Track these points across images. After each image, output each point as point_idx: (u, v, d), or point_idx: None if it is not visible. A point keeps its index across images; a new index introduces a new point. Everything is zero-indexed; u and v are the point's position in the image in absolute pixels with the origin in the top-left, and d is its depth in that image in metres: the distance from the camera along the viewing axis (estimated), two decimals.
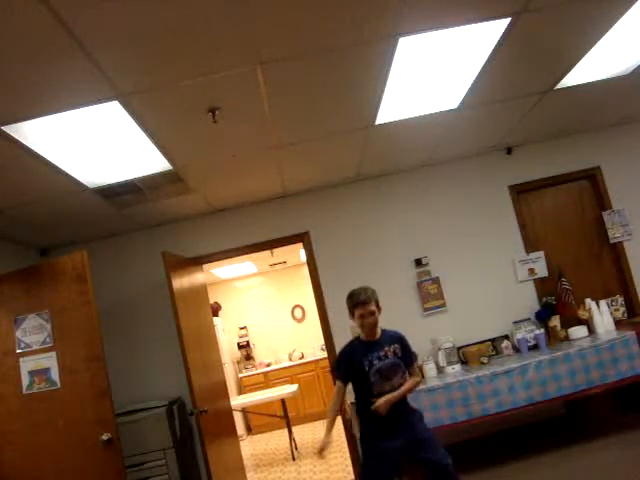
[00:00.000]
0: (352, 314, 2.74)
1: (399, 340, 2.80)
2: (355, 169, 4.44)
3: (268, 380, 7.67)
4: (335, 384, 2.81)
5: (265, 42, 2.26)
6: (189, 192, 4.01)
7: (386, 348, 2.70)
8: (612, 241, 4.70)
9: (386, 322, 4.42)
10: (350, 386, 2.84)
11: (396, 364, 2.71)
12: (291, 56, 2.41)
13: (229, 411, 4.71)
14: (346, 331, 4.46)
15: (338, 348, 4.34)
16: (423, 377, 4.10)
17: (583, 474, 3.42)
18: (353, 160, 4.19)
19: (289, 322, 8.41)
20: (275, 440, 6.91)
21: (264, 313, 8.40)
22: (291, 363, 7.91)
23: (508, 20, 2.51)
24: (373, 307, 2.69)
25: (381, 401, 2.62)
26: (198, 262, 4.70)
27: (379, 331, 2.79)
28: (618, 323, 4.34)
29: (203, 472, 4.04)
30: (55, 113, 2.41)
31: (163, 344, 4.44)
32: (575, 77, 3.43)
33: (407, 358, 2.80)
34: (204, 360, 4.24)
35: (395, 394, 2.67)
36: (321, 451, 2.67)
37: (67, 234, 4.41)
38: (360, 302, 2.68)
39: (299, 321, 8.44)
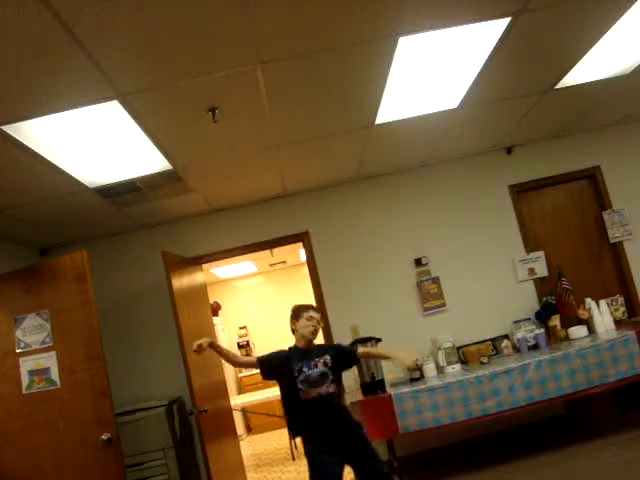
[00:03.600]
0: (298, 318, 2.94)
1: (330, 350, 2.94)
2: (355, 169, 4.44)
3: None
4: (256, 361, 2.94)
5: (265, 42, 2.26)
6: (189, 192, 4.01)
7: (316, 359, 2.84)
8: (612, 241, 4.70)
9: (386, 322, 4.48)
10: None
11: (324, 374, 2.81)
12: (291, 56, 2.41)
13: (229, 411, 4.71)
14: (346, 331, 4.48)
15: None
16: (423, 377, 4.10)
17: (583, 474, 3.42)
18: (353, 160, 4.18)
19: (289, 322, 8.39)
20: (275, 440, 6.90)
21: (264, 313, 8.40)
22: None
23: (508, 20, 2.51)
24: (319, 317, 2.95)
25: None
26: (198, 262, 4.70)
27: (314, 344, 2.94)
28: (618, 323, 4.34)
29: (203, 472, 4.04)
30: (55, 113, 2.41)
31: (163, 344, 4.44)
32: (575, 77, 3.43)
33: (346, 358, 2.95)
34: (204, 360, 4.22)
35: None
36: (199, 346, 2.79)
37: (67, 234, 4.41)
38: (312, 307, 2.99)
39: None
